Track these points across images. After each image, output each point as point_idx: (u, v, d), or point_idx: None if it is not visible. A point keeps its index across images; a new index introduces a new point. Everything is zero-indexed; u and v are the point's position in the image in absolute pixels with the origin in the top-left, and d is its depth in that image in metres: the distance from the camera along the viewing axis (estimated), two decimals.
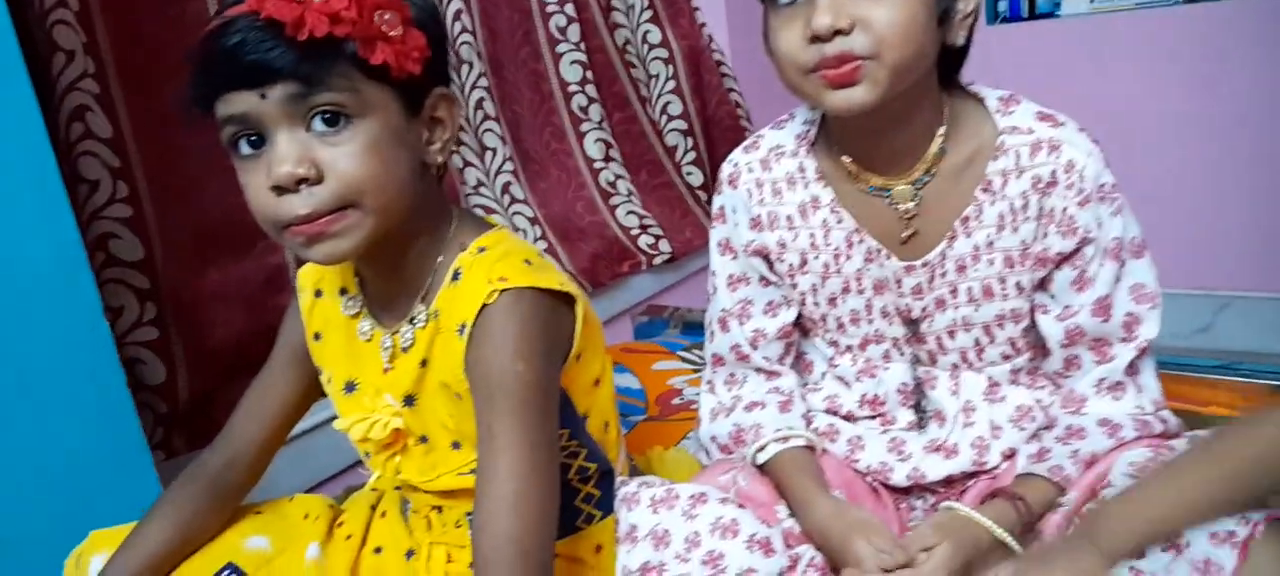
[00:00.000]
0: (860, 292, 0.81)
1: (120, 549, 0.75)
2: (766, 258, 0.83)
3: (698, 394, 0.92)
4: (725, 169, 0.85)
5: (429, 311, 0.71)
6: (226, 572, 0.76)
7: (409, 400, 0.72)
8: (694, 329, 1.61)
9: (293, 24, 0.59)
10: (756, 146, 0.83)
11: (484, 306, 0.66)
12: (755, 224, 0.82)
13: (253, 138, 0.63)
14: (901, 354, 0.83)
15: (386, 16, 0.62)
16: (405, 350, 0.72)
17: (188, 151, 1.16)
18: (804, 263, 0.82)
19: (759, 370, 0.86)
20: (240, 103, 0.61)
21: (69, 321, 0.91)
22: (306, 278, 0.80)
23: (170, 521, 0.76)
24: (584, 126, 1.71)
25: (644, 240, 1.77)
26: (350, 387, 0.76)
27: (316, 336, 0.78)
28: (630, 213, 1.77)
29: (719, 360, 0.88)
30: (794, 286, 0.83)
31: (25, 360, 0.88)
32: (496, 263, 0.68)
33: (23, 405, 0.88)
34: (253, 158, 0.64)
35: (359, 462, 1.00)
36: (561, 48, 1.67)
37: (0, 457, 0.86)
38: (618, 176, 1.77)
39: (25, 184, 0.86)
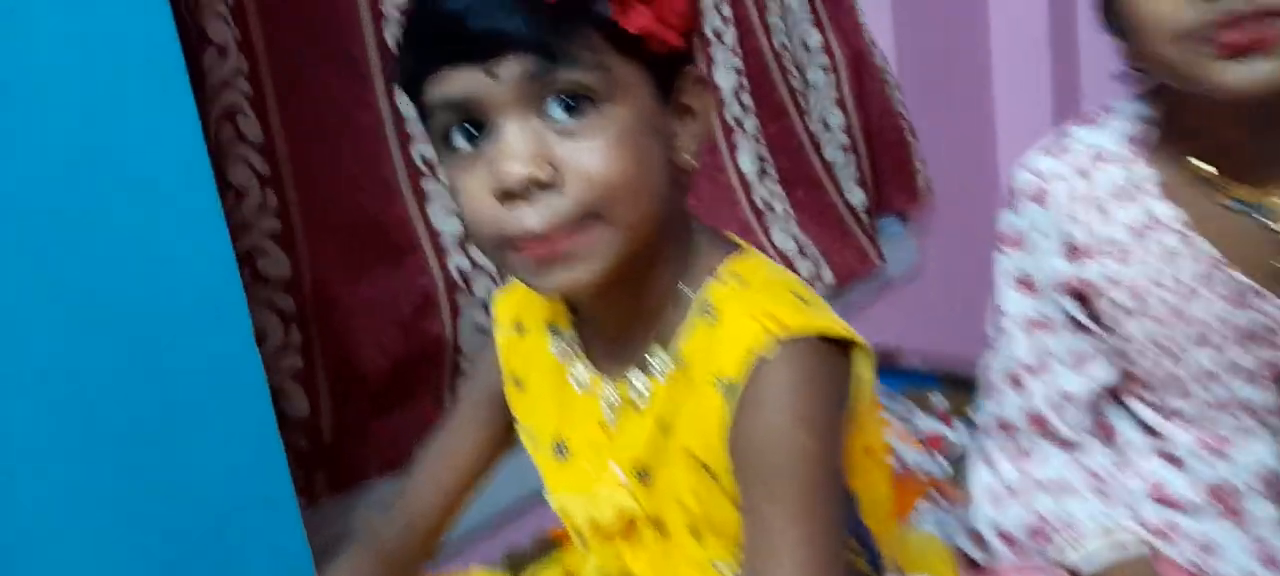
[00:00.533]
0: (1217, 344, 0.63)
1: None
2: (1083, 296, 0.66)
3: (918, 457, 0.74)
4: (1023, 179, 0.67)
5: (671, 357, 0.55)
6: None
7: (642, 474, 0.57)
8: (895, 374, 1.41)
9: None
10: (1066, 149, 0.66)
11: (760, 359, 0.51)
12: (1072, 252, 0.65)
13: (471, 128, 0.50)
14: (1264, 427, 0.64)
15: None
16: (637, 407, 0.57)
17: (340, 155, 1.05)
18: (1139, 303, 0.64)
19: (1061, 442, 0.68)
20: (461, 82, 0.48)
21: (217, 347, 0.79)
22: (505, 308, 0.66)
23: None
24: (737, 138, 1.56)
25: (803, 266, 1.59)
26: (561, 451, 0.61)
27: (517, 382, 0.64)
28: (786, 235, 1.60)
29: (1005, 426, 0.70)
30: (1121, 335, 0.65)
31: (168, 391, 0.76)
32: (764, 298, 0.53)
33: (163, 440, 0.76)
34: (469, 155, 0.50)
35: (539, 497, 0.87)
36: (716, 51, 1.53)
37: (137, 497, 0.75)
38: (773, 193, 1.60)
39: (179, 194, 0.74)
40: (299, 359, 1.03)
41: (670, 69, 0.53)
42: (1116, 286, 0.64)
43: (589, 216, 0.49)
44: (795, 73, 1.68)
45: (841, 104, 1.69)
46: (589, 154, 0.49)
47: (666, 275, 0.56)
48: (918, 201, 1.84)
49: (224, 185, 0.96)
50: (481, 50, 0.48)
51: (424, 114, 0.52)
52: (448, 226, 1.14)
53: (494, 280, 1.17)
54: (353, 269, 1.06)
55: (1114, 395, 0.69)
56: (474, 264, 1.15)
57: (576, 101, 0.49)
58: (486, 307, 1.17)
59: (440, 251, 1.13)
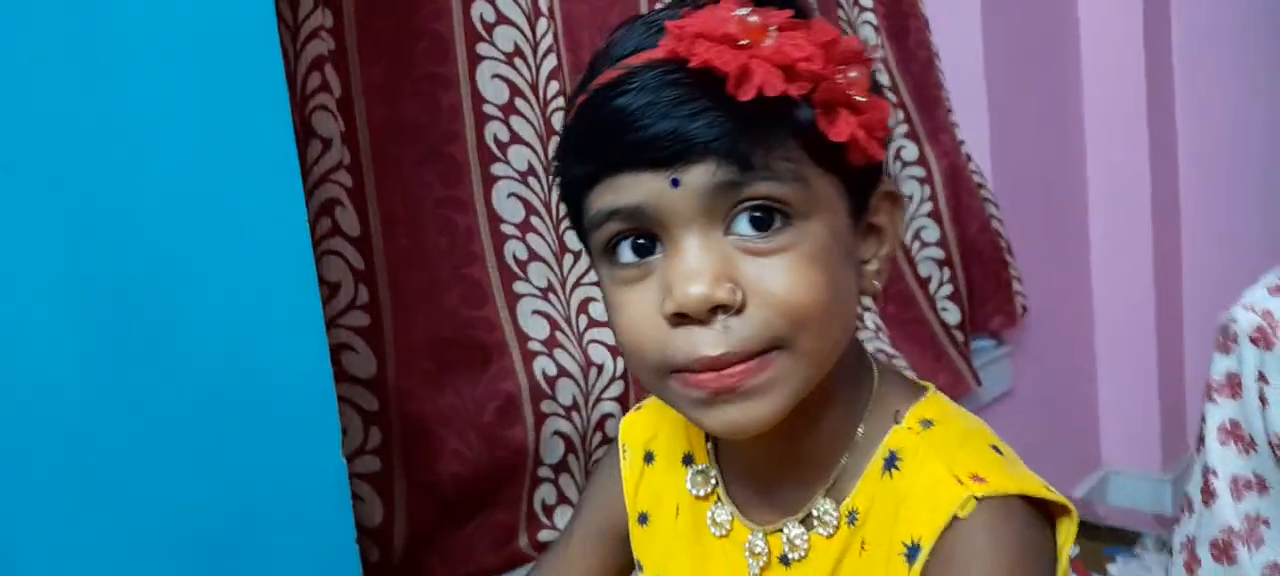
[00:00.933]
0: None
1: None
2: None
3: None
4: (1242, 320, 0.60)
5: (842, 510, 0.48)
6: None
7: None
8: None
9: (736, 77, 0.41)
10: None
11: (953, 520, 0.44)
12: None
13: (643, 241, 0.45)
14: None
15: (852, 74, 0.43)
16: (790, 562, 0.50)
17: (433, 253, 1.02)
18: None
19: None
20: (638, 190, 0.43)
21: (302, 450, 0.75)
22: (634, 433, 0.60)
23: None
24: None
25: None
26: None
27: (642, 518, 0.57)
28: (878, 352, 1.53)
29: None
30: None
31: (253, 485, 0.72)
32: (959, 450, 0.46)
33: (239, 540, 0.71)
34: (636, 269, 0.45)
35: None
36: None
37: None
38: (865, 309, 1.54)
39: (281, 285, 0.72)
40: (377, 462, 0.98)
41: (865, 184, 0.48)
42: None
43: (772, 346, 0.44)
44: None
45: (937, 217, 1.63)
46: (778, 274, 0.43)
47: (841, 416, 0.49)
48: (1014, 321, 1.75)
49: (319, 280, 0.93)
50: (665, 155, 0.42)
51: (585, 221, 0.47)
52: (536, 329, 1.10)
53: (578, 385, 1.12)
54: (439, 370, 1.02)
55: None
56: (560, 370, 1.10)
57: (767, 216, 0.43)
58: (567, 414, 1.12)
59: (527, 355, 1.09)
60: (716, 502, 0.53)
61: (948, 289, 1.64)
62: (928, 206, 1.62)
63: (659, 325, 0.44)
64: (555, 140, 1.13)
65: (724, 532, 0.53)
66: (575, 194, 0.47)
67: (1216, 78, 2.03)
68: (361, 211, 0.95)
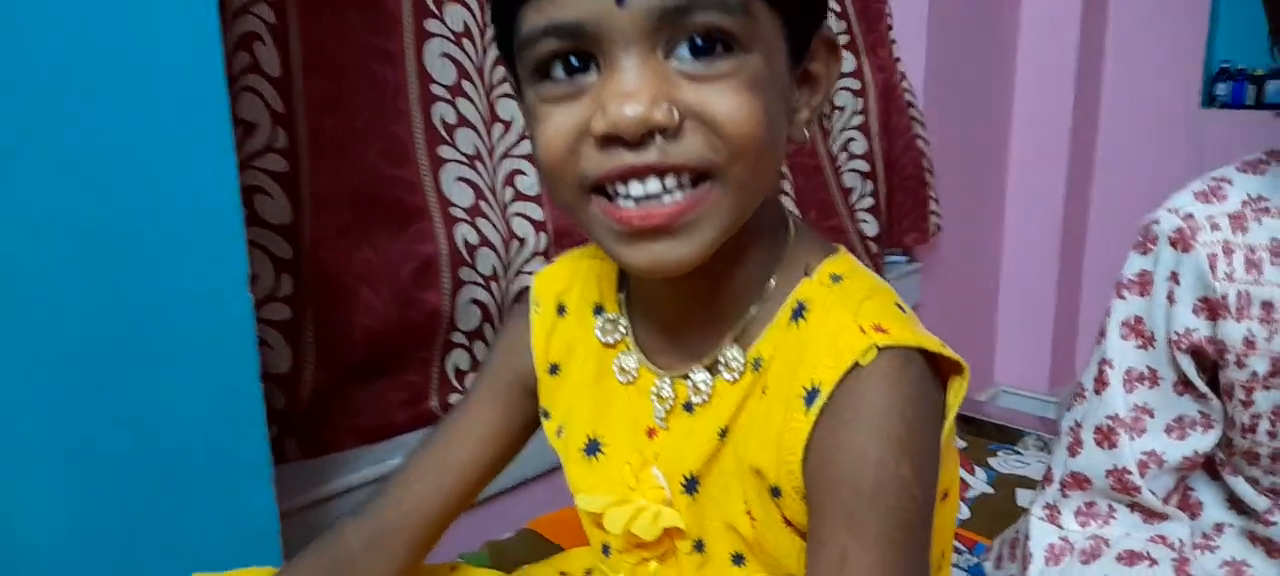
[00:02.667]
0: None
1: None
2: (1207, 358, 0.60)
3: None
4: (1164, 221, 0.61)
5: (749, 357, 0.49)
6: None
7: (690, 484, 0.51)
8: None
9: None
10: (1220, 195, 0.60)
11: (854, 366, 0.44)
12: (1209, 308, 0.59)
13: (575, 61, 0.43)
14: None
15: None
16: (692, 407, 0.50)
17: (357, 101, 0.99)
18: (1276, 373, 0.58)
19: (1143, 508, 0.63)
20: (579, 6, 0.41)
21: (210, 282, 0.73)
22: (546, 286, 0.59)
23: None
24: None
25: None
26: (593, 448, 0.55)
27: (552, 369, 0.58)
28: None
29: (1080, 482, 0.65)
30: (1245, 405, 0.60)
31: (155, 316, 0.71)
32: (865, 302, 0.47)
33: (144, 367, 0.70)
34: (567, 85, 0.43)
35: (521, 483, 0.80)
36: None
37: (110, 424, 0.69)
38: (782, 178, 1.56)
39: (192, 113, 0.69)
40: (287, 310, 0.97)
41: (806, 27, 0.46)
42: (1254, 352, 0.58)
43: (705, 174, 0.43)
44: None
45: (866, 131, 1.65)
46: (719, 98, 0.42)
47: (754, 267, 0.49)
48: (926, 239, 1.81)
49: (234, 117, 0.90)
50: None
51: (516, 39, 0.44)
52: (459, 196, 1.09)
53: (498, 255, 1.12)
54: (356, 225, 1.00)
55: (1207, 467, 0.65)
56: (481, 238, 1.10)
57: (709, 44, 0.42)
58: (486, 283, 1.12)
59: (449, 221, 1.08)
60: (624, 350, 0.54)
61: (868, 202, 1.68)
62: (858, 120, 1.65)
63: (585, 142, 0.43)
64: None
65: (630, 379, 0.53)
66: (507, 9, 0.44)
67: (1149, 29, 2.08)
68: (283, 48, 0.91)
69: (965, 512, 1.01)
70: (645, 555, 0.53)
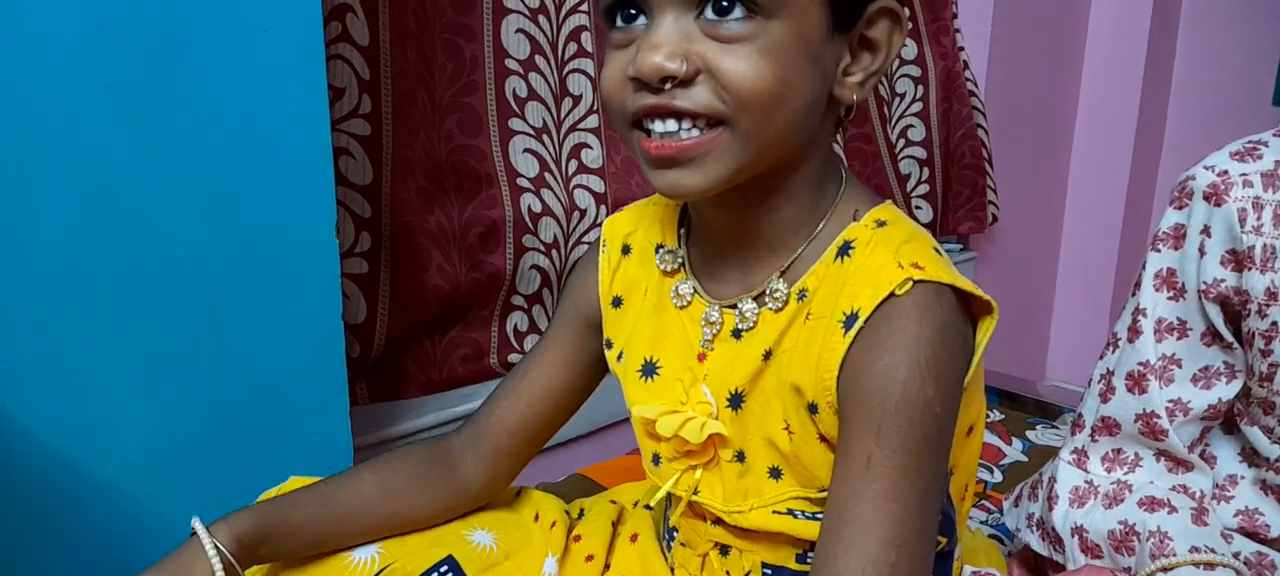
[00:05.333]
0: None
1: (303, 492, 0.62)
2: (1233, 308, 0.64)
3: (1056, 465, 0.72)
4: (1200, 177, 0.64)
5: (792, 291, 0.54)
6: (445, 567, 0.63)
7: (735, 400, 0.56)
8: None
9: None
10: (1256, 154, 0.63)
11: (890, 295, 0.49)
12: (1236, 260, 0.63)
13: (631, 11, 0.50)
14: None
15: None
16: (740, 333, 0.56)
17: (438, 73, 1.06)
18: None
19: (1164, 454, 0.67)
20: None
21: (302, 228, 0.81)
22: (615, 229, 0.66)
23: (375, 487, 0.63)
24: None
25: None
26: (649, 370, 0.60)
27: (616, 301, 0.64)
28: None
29: (1109, 426, 0.68)
30: (1264, 354, 0.63)
31: (253, 256, 0.78)
32: (904, 244, 0.52)
33: (239, 303, 0.78)
34: (623, 33, 0.51)
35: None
36: None
37: (207, 351, 0.77)
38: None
39: (294, 76, 0.76)
40: (364, 265, 1.04)
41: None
42: (1275, 302, 0.61)
43: (715, 121, 0.49)
44: (884, 80, 1.67)
45: (925, 118, 1.67)
46: (730, 59, 0.47)
47: (803, 209, 0.55)
48: (982, 228, 1.82)
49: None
50: None
51: None
52: (526, 166, 1.15)
53: (559, 225, 1.18)
54: (432, 189, 1.07)
55: (1224, 422, 0.68)
56: (545, 207, 1.16)
57: (730, 5, 0.47)
58: (547, 250, 1.18)
59: (516, 189, 1.14)
60: (681, 278, 0.59)
61: (924, 189, 1.70)
62: (918, 106, 1.66)
63: (625, 84, 0.50)
64: None
65: (684, 304, 0.59)
66: None
67: (1221, 27, 2.04)
68: (372, 20, 0.98)
69: (998, 476, 1.04)
70: (692, 462, 0.59)
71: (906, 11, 0.54)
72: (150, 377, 0.74)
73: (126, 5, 0.66)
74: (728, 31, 0.48)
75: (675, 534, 0.64)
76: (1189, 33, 2.09)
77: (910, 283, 0.49)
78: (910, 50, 1.63)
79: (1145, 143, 2.10)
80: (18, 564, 0.69)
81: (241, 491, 0.69)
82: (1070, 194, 2.17)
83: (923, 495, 0.48)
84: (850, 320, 0.50)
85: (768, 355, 0.55)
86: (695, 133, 0.49)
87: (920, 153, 1.68)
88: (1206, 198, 0.64)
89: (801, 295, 0.54)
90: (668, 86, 0.48)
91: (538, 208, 1.16)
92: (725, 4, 0.47)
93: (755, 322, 0.55)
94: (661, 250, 0.62)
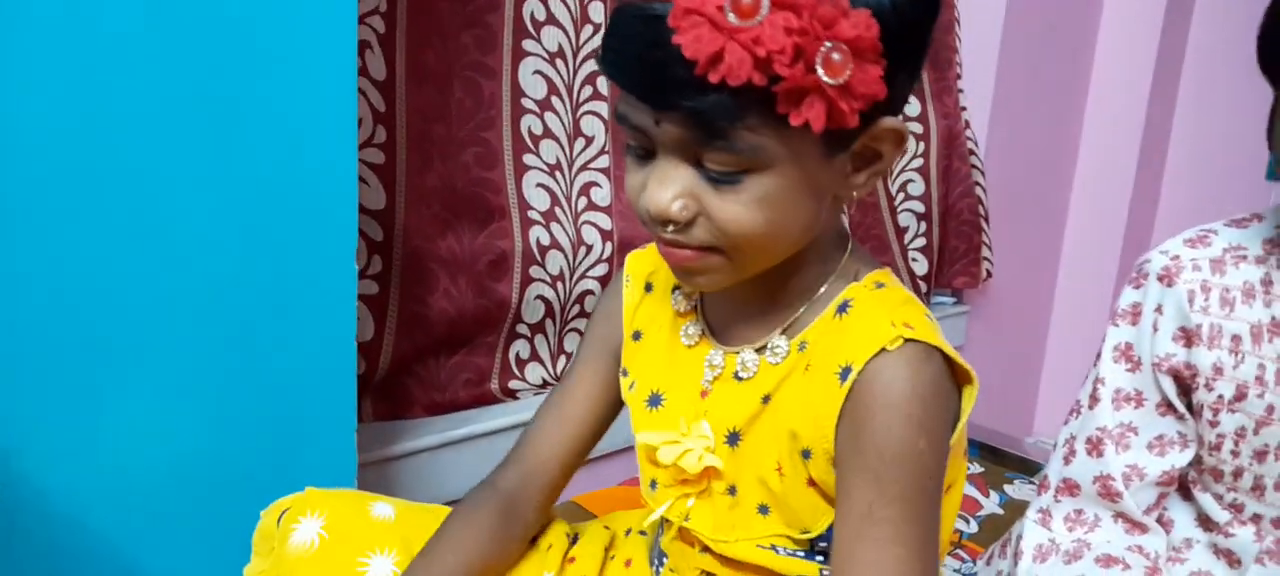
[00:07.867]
0: None
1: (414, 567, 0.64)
2: (1184, 381, 0.68)
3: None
4: (1155, 260, 0.70)
5: (793, 343, 0.58)
6: None
7: (733, 437, 0.60)
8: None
9: (706, 62, 0.45)
10: (1206, 242, 0.69)
11: (882, 351, 0.53)
12: (1186, 337, 0.68)
13: (643, 149, 0.54)
14: None
15: (835, 56, 0.46)
16: (739, 378, 0.60)
17: (451, 111, 1.10)
18: (1240, 398, 0.67)
19: (1121, 516, 0.71)
20: (636, 114, 0.52)
21: (324, 255, 0.84)
22: (638, 266, 0.70)
23: (466, 547, 0.65)
24: None
25: None
26: (655, 401, 0.65)
27: (636, 335, 0.68)
28: None
29: (1070, 488, 0.73)
30: (1212, 425, 0.68)
31: (277, 275, 0.82)
32: (900, 306, 0.55)
33: (253, 326, 0.81)
34: (639, 150, 0.55)
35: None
36: None
37: (218, 372, 0.80)
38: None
39: (325, 102, 0.80)
40: (375, 286, 1.08)
41: (844, 137, 0.51)
42: (1221, 377, 0.66)
43: (712, 250, 0.53)
44: None
45: (925, 175, 1.71)
46: (727, 207, 0.51)
47: (810, 277, 0.58)
48: (976, 283, 1.86)
49: None
50: (651, 100, 0.50)
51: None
52: (537, 200, 1.19)
53: (566, 258, 1.22)
54: (445, 217, 1.11)
55: (1179, 489, 0.72)
56: (553, 241, 1.20)
57: (725, 166, 0.50)
58: (552, 282, 1.22)
59: (526, 222, 1.18)
60: (692, 319, 0.64)
61: (921, 242, 1.74)
62: (918, 162, 1.71)
63: (641, 197, 0.54)
64: (588, 28, 1.20)
65: (692, 343, 0.63)
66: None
67: (1222, 90, 2.09)
68: (390, 57, 1.03)
69: (974, 526, 1.08)
70: (687, 491, 0.63)
71: (906, 123, 0.57)
72: (170, 388, 0.77)
73: (176, 36, 0.70)
74: (723, 184, 0.51)
75: (665, 559, 0.68)
76: (1185, 114, 2.14)
77: (901, 340, 0.52)
78: (913, 108, 1.68)
79: (1140, 208, 2.14)
80: (31, 572, 0.72)
81: (250, 502, 0.72)
82: (1064, 254, 2.21)
83: (923, 539, 0.52)
84: (845, 372, 0.54)
85: (766, 399, 0.58)
86: (692, 251, 0.54)
87: (919, 206, 1.72)
88: (1160, 279, 0.69)
89: (802, 347, 0.58)
90: (670, 229, 0.53)
91: (546, 241, 1.19)
92: (716, 171, 0.50)
93: (755, 372, 0.59)
94: (677, 292, 0.66)
